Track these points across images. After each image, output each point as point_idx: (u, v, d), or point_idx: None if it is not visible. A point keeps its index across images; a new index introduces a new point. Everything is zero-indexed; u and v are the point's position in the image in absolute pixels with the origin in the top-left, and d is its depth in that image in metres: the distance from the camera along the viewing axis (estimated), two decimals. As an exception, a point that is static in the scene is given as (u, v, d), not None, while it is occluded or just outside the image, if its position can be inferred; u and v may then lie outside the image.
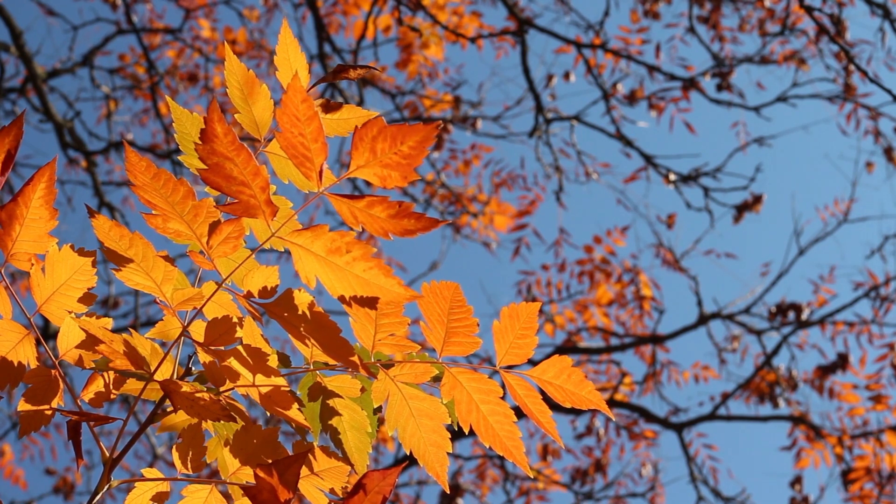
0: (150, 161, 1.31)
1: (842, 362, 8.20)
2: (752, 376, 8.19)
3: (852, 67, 7.95)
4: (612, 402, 8.04)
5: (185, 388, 1.33)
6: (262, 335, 1.39)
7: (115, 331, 1.42)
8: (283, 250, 1.38)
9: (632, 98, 8.44)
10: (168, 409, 1.43)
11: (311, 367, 1.44)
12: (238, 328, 1.37)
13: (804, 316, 8.25)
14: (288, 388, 1.40)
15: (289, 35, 1.41)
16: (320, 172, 1.30)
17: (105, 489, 1.36)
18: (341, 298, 1.32)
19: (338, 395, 1.46)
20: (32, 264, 1.38)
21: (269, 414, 1.44)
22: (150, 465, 8.14)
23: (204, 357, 1.39)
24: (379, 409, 1.47)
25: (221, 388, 1.40)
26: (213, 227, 1.33)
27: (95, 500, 1.35)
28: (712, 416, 7.96)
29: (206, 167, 1.29)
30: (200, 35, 8.92)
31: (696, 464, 7.97)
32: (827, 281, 8.54)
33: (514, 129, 14.89)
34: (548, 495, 8.46)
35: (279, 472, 1.23)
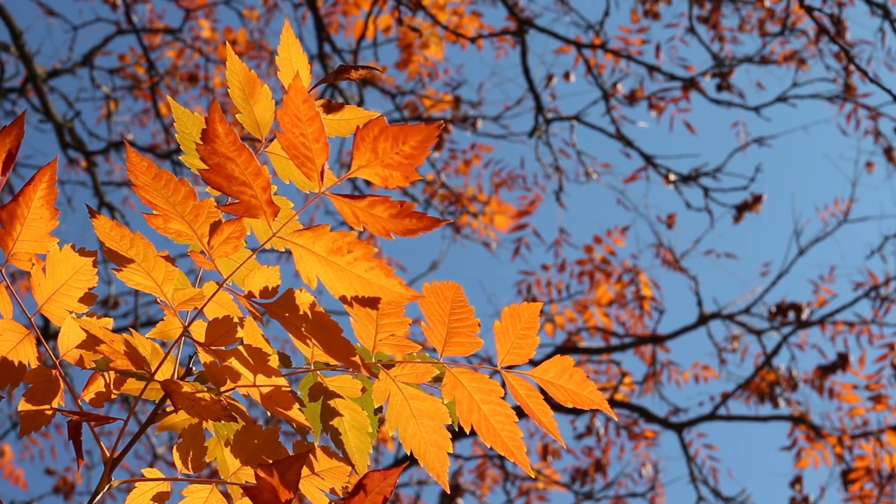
0: (151, 161, 1.31)
1: (842, 362, 8.20)
2: (752, 376, 8.19)
3: (852, 67, 7.95)
4: (612, 402, 8.04)
5: (186, 388, 1.33)
6: (262, 335, 1.39)
7: (116, 331, 1.42)
8: (283, 250, 1.38)
9: (632, 98, 8.44)
10: (168, 409, 1.43)
11: (312, 368, 1.44)
12: (239, 328, 1.37)
13: (804, 316, 8.25)
14: (289, 389, 1.40)
15: (290, 35, 1.41)
16: (322, 172, 1.30)
17: (105, 489, 1.36)
18: (342, 298, 1.32)
19: (339, 396, 1.46)
20: (33, 264, 1.38)
21: (269, 414, 1.44)
22: (151, 465, 8.15)
23: (205, 357, 1.39)
24: (379, 410, 1.47)
25: (222, 389, 1.40)
26: (215, 227, 1.33)
27: (96, 501, 1.35)
28: (712, 416, 7.96)
29: (207, 167, 1.29)
30: (200, 35, 8.92)
31: (696, 464, 7.97)
32: (827, 281, 8.54)
33: (514, 129, 14.90)
34: (548, 495, 8.46)
35: (280, 473, 1.23)
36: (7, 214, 1.34)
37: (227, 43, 1.64)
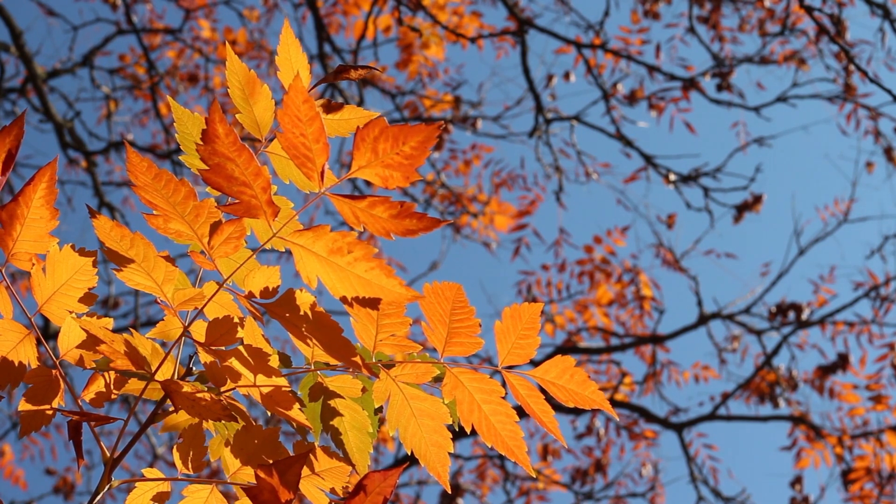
0: (151, 161, 1.31)
1: (842, 362, 8.20)
2: (752, 376, 8.19)
3: (852, 67, 7.95)
4: (612, 402, 8.03)
5: (186, 388, 1.33)
6: (263, 335, 1.39)
7: (116, 331, 1.42)
8: (284, 250, 1.38)
9: (632, 98, 8.44)
10: (169, 409, 1.43)
11: (313, 368, 1.43)
12: (239, 328, 1.37)
13: (804, 316, 8.25)
14: (289, 389, 1.40)
15: (290, 35, 1.41)
16: (322, 173, 1.30)
17: (106, 489, 1.36)
18: (343, 299, 1.32)
19: (339, 396, 1.46)
20: (33, 264, 1.38)
21: (269, 414, 1.44)
22: (151, 465, 8.15)
23: (205, 357, 1.39)
24: (380, 410, 1.47)
25: (222, 389, 1.40)
26: (215, 227, 1.33)
27: (96, 501, 1.35)
28: (712, 416, 7.96)
29: (207, 167, 1.29)
30: (200, 35, 8.92)
31: (696, 464, 7.97)
32: (827, 281, 8.54)
33: (514, 129, 14.89)
34: (548, 495, 8.46)
35: (280, 473, 1.23)
36: (7, 214, 1.34)
37: (227, 43, 1.64)
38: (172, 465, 2.19)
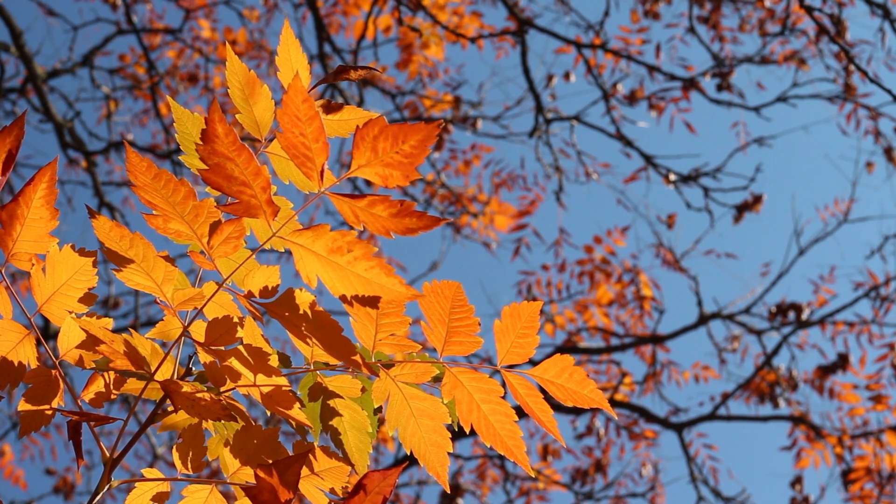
0: (151, 161, 1.31)
1: (842, 362, 8.20)
2: (752, 376, 8.19)
3: (852, 67, 7.95)
4: (612, 402, 8.04)
5: (186, 388, 1.33)
6: (262, 335, 1.39)
7: (116, 331, 1.42)
8: (283, 250, 1.38)
9: (632, 98, 8.44)
10: (168, 409, 1.43)
11: (312, 367, 1.43)
12: (239, 328, 1.37)
13: (804, 316, 8.25)
14: (289, 388, 1.40)
15: (290, 35, 1.41)
16: (321, 172, 1.30)
17: (105, 489, 1.36)
18: (342, 298, 1.32)
19: (338, 396, 1.46)
20: (33, 264, 1.38)
21: (269, 414, 1.44)
22: (151, 465, 8.14)
23: (204, 357, 1.39)
24: (379, 410, 1.47)
25: (222, 388, 1.40)
26: (214, 227, 1.33)
27: (96, 501, 1.35)
28: (712, 416, 7.96)
29: (207, 167, 1.29)
30: (200, 35, 8.92)
31: (696, 464, 7.97)
32: (827, 281, 8.54)
33: (514, 129, 14.89)
34: (548, 495, 8.46)
35: (279, 473, 1.23)
36: (7, 214, 1.34)
37: (227, 43, 1.64)
38: (172, 465, 2.19)
